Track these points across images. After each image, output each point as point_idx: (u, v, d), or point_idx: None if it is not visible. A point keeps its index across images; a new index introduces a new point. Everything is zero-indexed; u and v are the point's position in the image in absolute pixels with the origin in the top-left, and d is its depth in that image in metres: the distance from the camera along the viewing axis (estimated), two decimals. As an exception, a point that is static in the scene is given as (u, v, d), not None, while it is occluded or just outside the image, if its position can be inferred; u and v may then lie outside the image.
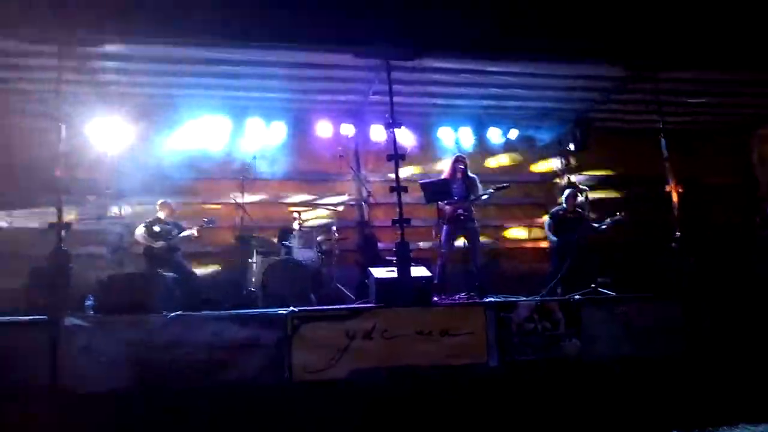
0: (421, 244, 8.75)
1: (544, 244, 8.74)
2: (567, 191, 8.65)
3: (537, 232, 9.28)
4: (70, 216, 6.51)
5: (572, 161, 10.17)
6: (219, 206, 8.81)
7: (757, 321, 6.51)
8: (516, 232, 10.16)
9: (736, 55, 7.49)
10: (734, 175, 10.27)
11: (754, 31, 7.40)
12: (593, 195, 7.81)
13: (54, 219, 5.78)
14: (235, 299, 7.55)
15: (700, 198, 8.13)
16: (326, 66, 7.50)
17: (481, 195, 7.74)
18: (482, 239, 8.50)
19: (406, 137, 9.02)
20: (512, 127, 9.87)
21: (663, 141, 7.45)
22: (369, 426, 5.38)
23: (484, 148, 9.80)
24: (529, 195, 10.24)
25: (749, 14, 7.42)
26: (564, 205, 8.50)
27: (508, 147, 9.97)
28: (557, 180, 10.35)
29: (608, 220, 7.86)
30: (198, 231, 7.90)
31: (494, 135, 9.86)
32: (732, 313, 6.58)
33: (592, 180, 8.43)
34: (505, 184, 7.84)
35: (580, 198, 8.31)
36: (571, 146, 9.71)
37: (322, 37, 6.78)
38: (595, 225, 7.93)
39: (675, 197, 7.20)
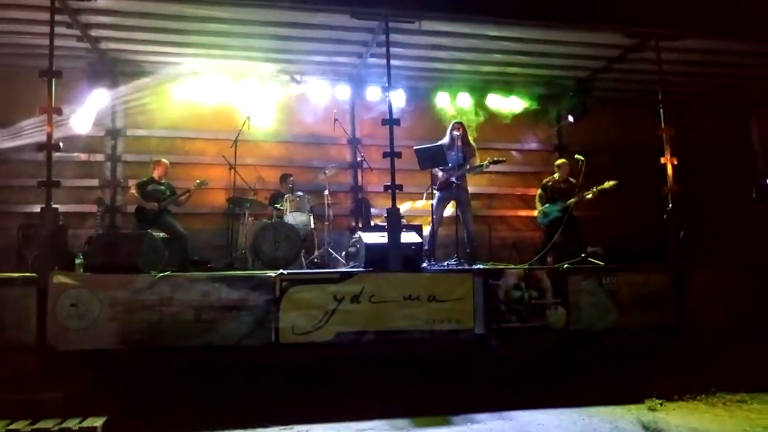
0: (414, 210, 8.71)
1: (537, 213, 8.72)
2: (559, 161, 8.63)
3: (531, 201, 9.22)
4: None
5: (571, 130, 10.05)
6: (212, 167, 8.75)
7: (747, 294, 6.56)
8: (511, 200, 10.12)
9: (744, 24, 7.33)
10: (732, 148, 10.17)
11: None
12: (589, 164, 7.73)
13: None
14: (225, 261, 7.61)
15: (696, 170, 8.06)
16: (323, 26, 7.36)
17: (476, 167, 7.69)
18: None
19: (403, 101, 8.94)
20: (512, 94, 9.73)
21: (661, 112, 7.36)
22: (354, 386, 5.46)
23: (482, 115, 9.67)
24: (526, 163, 10.18)
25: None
26: (556, 175, 8.47)
27: (506, 114, 9.82)
28: (555, 148, 10.27)
29: (594, 189, 7.83)
30: (190, 193, 7.89)
31: (493, 101, 9.73)
32: (723, 285, 6.61)
33: (589, 149, 8.35)
34: (501, 159, 7.79)
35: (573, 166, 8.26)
36: (570, 116, 9.62)
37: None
38: (584, 194, 7.91)
39: (669, 169, 7.14)
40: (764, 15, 7.17)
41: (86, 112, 7.97)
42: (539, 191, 8.59)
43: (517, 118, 9.82)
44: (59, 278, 5.32)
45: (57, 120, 6.11)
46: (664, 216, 7.06)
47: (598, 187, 7.79)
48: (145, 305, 5.38)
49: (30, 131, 7.27)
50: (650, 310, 6.45)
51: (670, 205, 7.05)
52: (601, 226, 8.72)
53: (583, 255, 7.25)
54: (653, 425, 4.69)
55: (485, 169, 7.79)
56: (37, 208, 5.86)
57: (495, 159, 7.64)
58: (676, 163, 7.19)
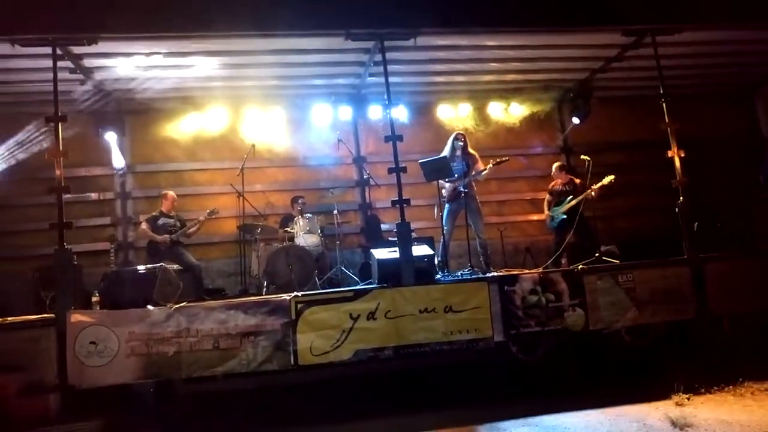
0: (424, 223, 8.72)
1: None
2: (555, 165, 8.63)
3: (541, 205, 9.19)
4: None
5: (576, 131, 10.03)
6: (221, 196, 8.84)
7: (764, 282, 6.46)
8: (521, 206, 10.08)
9: (738, 12, 7.32)
10: (739, 134, 10.08)
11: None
12: (597, 163, 7.70)
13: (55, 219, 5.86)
14: (239, 288, 7.65)
15: (704, 161, 7.98)
16: (320, 51, 7.45)
17: (481, 171, 7.68)
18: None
19: (405, 116, 8.98)
20: (513, 101, 9.76)
21: (664, 106, 7.33)
22: (376, 402, 5.44)
23: (485, 123, 9.71)
24: (532, 167, 10.16)
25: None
26: (558, 179, 8.46)
27: (509, 120, 9.84)
28: (561, 150, 10.25)
29: (594, 186, 7.77)
30: (201, 223, 7.95)
31: (495, 109, 9.77)
32: (740, 275, 6.52)
33: (596, 148, 8.34)
34: (504, 158, 7.77)
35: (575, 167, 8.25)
36: (575, 118, 9.60)
37: (314, 21, 6.74)
38: (587, 193, 7.85)
39: (677, 162, 7.10)
40: (755, 0, 7.17)
41: (115, 150, 8.23)
42: (547, 196, 8.60)
43: (520, 123, 9.83)
44: (76, 317, 5.38)
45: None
46: (676, 209, 6.99)
47: (597, 184, 7.74)
48: (163, 337, 5.43)
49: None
50: (669, 305, 6.38)
51: (681, 198, 6.99)
52: (614, 224, 8.67)
53: (597, 254, 7.20)
54: (682, 420, 4.60)
55: (491, 173, 7.75)
56: (51, 250, 5.94)
57: (498, 160, 7.62)
58: (683, 155, 7.14)
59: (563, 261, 7.90)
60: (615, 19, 7.32)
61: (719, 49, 8.33)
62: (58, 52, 6.43)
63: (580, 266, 6.57)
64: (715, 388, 5.35)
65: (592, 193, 7.78)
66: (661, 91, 7.37)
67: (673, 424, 4.59)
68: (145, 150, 9.09)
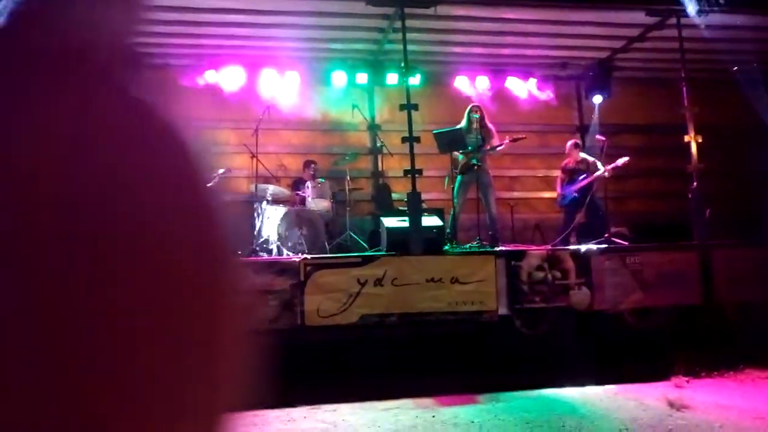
0: (434, 194, 8.72)
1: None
2: (569, 142, 8.53)
3: (553, 182, 9.15)
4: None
5: (591, 110, 9.94)
6: (234, 156, 8.83)
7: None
8: (533, 182, 10.06)
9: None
10: (758, 121, 9.95)
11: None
12: (612, 144, 7.64)
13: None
14: (250, 248, 7.70)
15: (722, 147, 7.91)
16: (340, 14, 7.40)
17: (496, 146, 7.65)
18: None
19: (421, 86, 8.91)
20: (531, 76, 9.67)
21: (684, 90, 7.26)
22: (380, 367, 5.53)
23: (501, 97, 9.63)
24: (546, 145, 10.09)
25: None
26: (569, 156, 8.40)
27: (526, 96, 9.76)
28: (576, 129, 10.17)
29: (607, 167, 7.69)
30: (213, 182, 7.97)
31: (512, 84, 9.68)
32: (748, 263, 6.52)
33: (612, 129, 8.27)
34: (521, 136, 7.73)
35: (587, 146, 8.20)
36: (596, 97, 9.47)
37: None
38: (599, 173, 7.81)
39: (694, 147, 7.05)
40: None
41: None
42: (559, 174, 8.54)
43: (537, 99, 9.75)
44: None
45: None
46: (689, 195, 6.97)
47: (611, 165, 7.67)
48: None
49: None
50: (675, 289, 6.41)
51: (695, 184, 6.96)
52: (627, 206, 8.65)
53: (606, 235, 7.20)
54: (679, 402, 4.65)
55: (506, 149, 7.73)
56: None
57: (515, 137, 7.59)
58: (700, 140, 7.08)
59: (572, 240, 7.92)
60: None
61: (744, 34, 8.18)
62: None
63: (588, 246, 6.59)
64: (715, 373, 5.41)
65: (606, 173, 7.71)
66: (683, 75, 7.29)
67: (671, 405, 4.65)
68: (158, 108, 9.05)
